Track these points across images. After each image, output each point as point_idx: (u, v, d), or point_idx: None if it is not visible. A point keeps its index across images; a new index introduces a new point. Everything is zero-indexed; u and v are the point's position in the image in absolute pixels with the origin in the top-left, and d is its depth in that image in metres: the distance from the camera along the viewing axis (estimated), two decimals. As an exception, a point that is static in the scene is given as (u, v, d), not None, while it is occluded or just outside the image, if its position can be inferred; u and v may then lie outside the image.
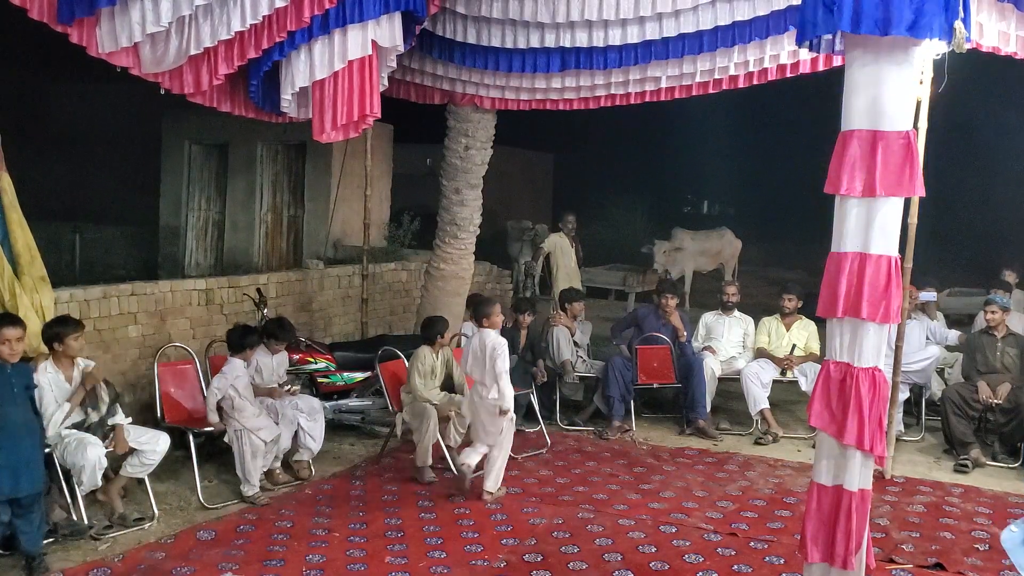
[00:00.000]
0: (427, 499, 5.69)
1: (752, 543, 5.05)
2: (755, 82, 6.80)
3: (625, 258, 15.18)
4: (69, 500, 4.95)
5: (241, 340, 5.84)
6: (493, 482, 5.72)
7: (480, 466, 5.84)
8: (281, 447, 5.87)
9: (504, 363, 5.63)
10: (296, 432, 6.01)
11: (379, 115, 6.11)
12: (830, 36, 3.48)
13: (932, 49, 4.47)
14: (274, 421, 5.83)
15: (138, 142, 13.37)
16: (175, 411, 5.94)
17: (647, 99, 7.29)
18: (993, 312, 7.01)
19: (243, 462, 5.60)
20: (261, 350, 6.21)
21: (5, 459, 4.38)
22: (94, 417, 5.02)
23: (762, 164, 22.45)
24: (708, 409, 7.47)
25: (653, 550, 4.91)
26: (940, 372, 7.95)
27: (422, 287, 8.71)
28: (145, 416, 6.10)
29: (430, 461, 6.04)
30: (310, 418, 6.07)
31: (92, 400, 5.02)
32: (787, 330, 7.80)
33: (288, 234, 11.53)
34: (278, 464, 5.88)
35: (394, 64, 6.48)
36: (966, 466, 6.54)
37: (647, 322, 7.77)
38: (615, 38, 6.28)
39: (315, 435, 6.08)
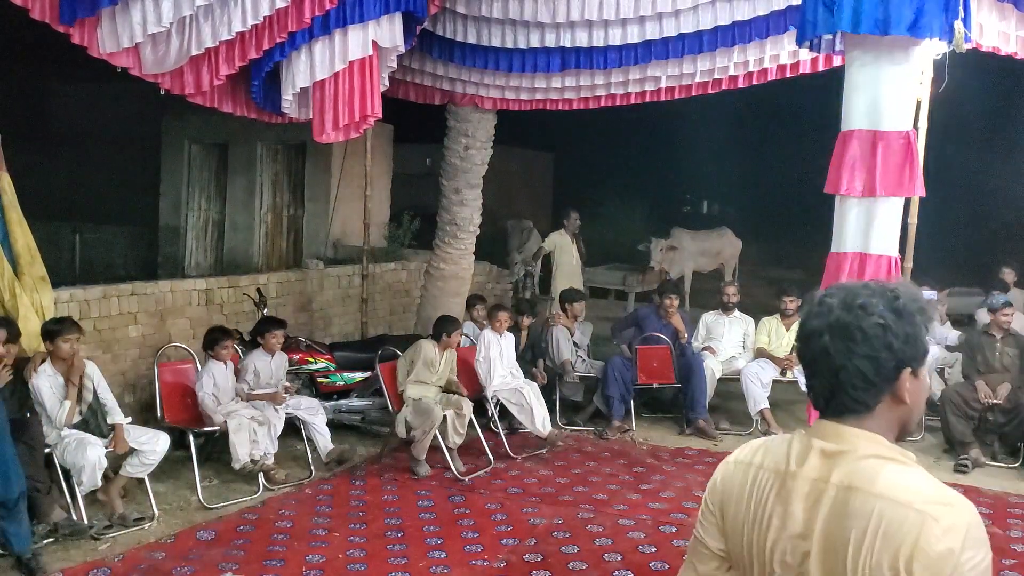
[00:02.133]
0: (427, 499, 5.69)
1: (752, 543, 5.04)
2: (755, 82, 6.81)
3: (625, 258, 15.16)
4: (69, 500, 4.95)
5: (209, 337, 5.99)
6: (544, 425, 6.72)
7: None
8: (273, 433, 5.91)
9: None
10: (308, 431, 6.16)
11: (380, 115, 6.12)
12: (830, 36, 3.48)
13: (932, 49, 4.46)
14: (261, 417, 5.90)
15: (138, 142, 13.35)
16: (175, 411, 5.94)
17: (647, 99, 7.30)
18: (1006, 315, 7.00)
19: (232, 441, 5.64)
20: (258, 352, 6.22)
21: None
22: (88, 400, 5.05)
23: (762, 164, 22.41)
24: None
25: (653, 550, 4.91)
26: (940, 372, 7.95)
27: (422, 287, 8.72)
28: (145, 416, 6.11)
29: (424, 456, 6.13)
30: (312, 414, 6.14)
31: (82, 392, 5.07)
32: (787, 330, 7.80)
33: (288, 234, 11.52)
34: (271, 460, 5.87)
35: (394, 64, 6.49)
36: (966, 466, 6.54)
37: (648, 322, 7.77)
38: (615, 38, 6.29)
39: (322, 429, 6.17)
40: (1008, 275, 8.63)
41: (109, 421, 5.15)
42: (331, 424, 6.84)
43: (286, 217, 11.54)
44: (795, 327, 7.68)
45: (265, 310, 7.11)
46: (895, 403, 1.49)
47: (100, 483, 4.97)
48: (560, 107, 7.63)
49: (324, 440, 6.16)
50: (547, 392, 7.55)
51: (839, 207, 3.41)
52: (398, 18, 5.96)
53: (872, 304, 1.47)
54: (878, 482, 1.41)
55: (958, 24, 3.20)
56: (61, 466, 4.93)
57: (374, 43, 5.86)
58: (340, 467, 6.14)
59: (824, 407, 1.52)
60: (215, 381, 5.83)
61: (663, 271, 13.40)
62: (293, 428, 6.22)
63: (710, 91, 7.05)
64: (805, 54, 6.18)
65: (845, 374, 1.46)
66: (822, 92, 6.28)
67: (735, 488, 1.58)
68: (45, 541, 4.66)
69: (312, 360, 6.99)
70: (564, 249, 10.95)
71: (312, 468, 6.14)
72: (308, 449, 6.19)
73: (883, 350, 1.45)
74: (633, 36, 6.25)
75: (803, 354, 1.55)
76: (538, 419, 6.71)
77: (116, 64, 5.27)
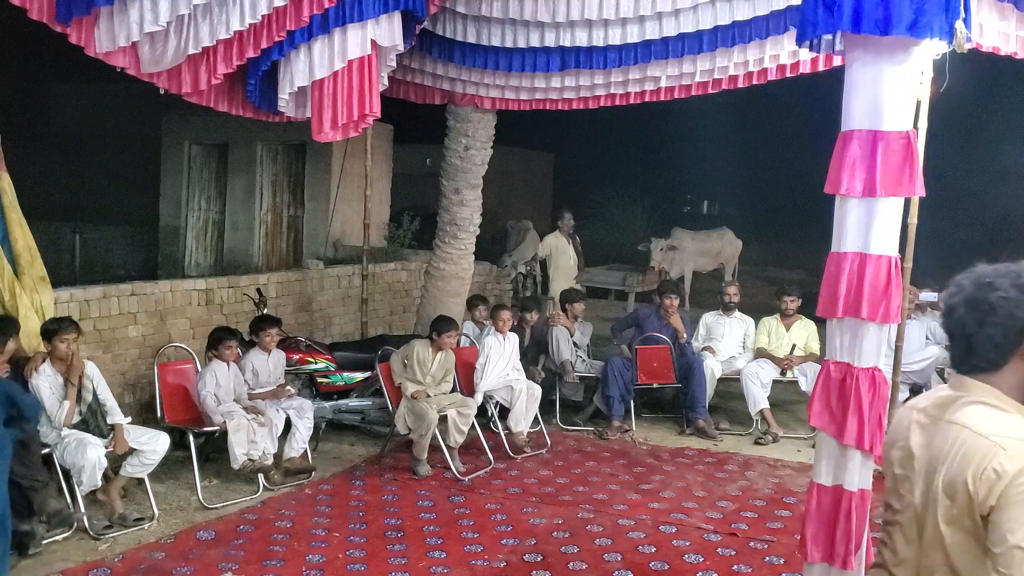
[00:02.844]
0: (427, 499, 5.69)
1: (752, 543, 5.05)
2: (755, 82, 6.79)
3: (625, 258, 15.17)
4: (69, 500, 4.94)
5: (213, 336, 5.98)
6: (516, 423, 6.66)
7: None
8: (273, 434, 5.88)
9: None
10: (290, 430, 6.07)
11: (379, 115, 6.11)
12: (830, 36, 3.47)
13: (932, 49, 4.45)
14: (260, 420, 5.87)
15: (138, 142, 13.37)
16: (175, 411, 5.94)
17: (647, 99, 7.28)
18: None
19: (230, 441, 5.61)
20: (255, 351, 6.22)
21: None
22: (87, 401, 5.04)
23: (762, 164, 22.41)
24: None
25: (653, 550, 4.91)
26: (940, 372, 7.94)
27: (422, 287, 8.72)
28: (145, 416, 6.11)
29: (425, 456, 6.12)
30: (299, 415, 6.08)
31: (82, 392, 5.06)
32: (787, 330, 7.80)
33: (288, 234, 11.53)
34: (270, 460, 5.84)
35: (394, 64, 6.48)
36: (966, 466, 6.53)
37: (648, 322, 7.77)
38: (615, 38, 6.28)
39: (302, 432, 6.04)
40: None
41: (109, 421, 5.15)
42: (331, 424, 6.86)
43: (286, 217, 11.54)
44: (795, 327, 7.77)
45: (265, 310, 7.11)
46: (1021, 363, 1.81)
47: (100, 483, 4.97)
48: (560, 107, 7.62)
49: (298, 445, 6.01)
50: (547, 392, 7.55)
51: (839, 207, 3.39)
52: (397, 17, 5.95)
53: (998, 282, 1.82)
54: (971, 418, 1.79)
55: (959, 24, 3.18)
56: (61, 466, 4.93)
57: (373, 42, 5.85)
58: (293, 477, 5.92)
59: (959, 366, 1.92)
60: (217, 380, 5.82)
61: (663, 271, 13.40)
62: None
63: (710, 91, 7.03)
64: (805, 54, 6.17)
65: (976, 339, 1.84)
66: (822, 92, 6.26)
67: (896, 421, 2.03)
68: (45, 542, 4.65)
69: (312, 360, 6.98)
70: (561, 250, 10.95)
71: (309, 457, 6.13)
72: (308, 449, 6.18)
73: (1008, 319, 1.80)
74: (633, 36, 6.23)
75: (945, 325, 1.96)
76: (513, 418, 6.67)
77: (113, 63, 5.25)
